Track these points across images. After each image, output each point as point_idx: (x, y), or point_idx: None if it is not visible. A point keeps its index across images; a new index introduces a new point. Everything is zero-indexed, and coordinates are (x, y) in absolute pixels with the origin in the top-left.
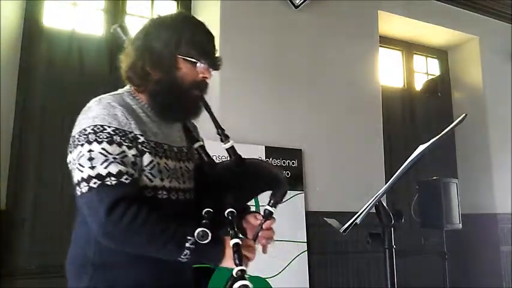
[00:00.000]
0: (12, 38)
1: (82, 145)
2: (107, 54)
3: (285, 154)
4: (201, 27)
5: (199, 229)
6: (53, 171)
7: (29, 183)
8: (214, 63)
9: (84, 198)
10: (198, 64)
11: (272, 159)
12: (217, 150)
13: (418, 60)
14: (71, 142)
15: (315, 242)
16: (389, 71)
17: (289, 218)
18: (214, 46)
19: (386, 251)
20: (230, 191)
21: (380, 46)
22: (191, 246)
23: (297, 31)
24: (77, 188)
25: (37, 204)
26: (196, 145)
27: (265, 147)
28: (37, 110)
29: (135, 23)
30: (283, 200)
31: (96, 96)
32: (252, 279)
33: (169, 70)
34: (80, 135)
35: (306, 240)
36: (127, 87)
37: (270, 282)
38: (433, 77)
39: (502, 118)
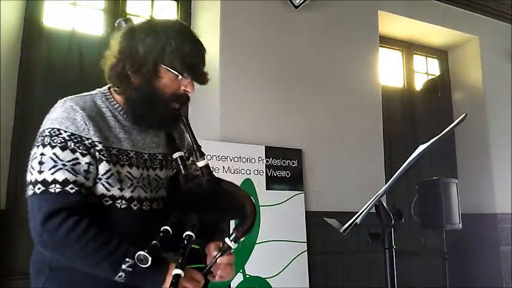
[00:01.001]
0: (12, 38)
1: (37, 147)
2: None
3: (285, 154)
4: (192, 39)
5: (140, 252)
6: None
7: None
8: (199, 78)
9: (28, 201)
10: (180, 77)
11: (272, 159)
12: (217, 151)
13: (418, 60)
14: (35, 140)
15: (315, 242)
16: (389, 71)
17: (289, 218)
18: (203, 60)
19: (387, 251)
20: (197, 210)
21: (380, 46)
22: (128, 268)
23: (297, 31)
24: (26, 189)
25: None
26: (176, 155)
27: (265, 147)
28: (37, 110)
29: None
30: (285, 200)
31: None
32: (252, 279)
33: (150, 78)
34: (38, 136)
35: (306, 240)
36: (105, 87)
37: (270, 282)
38: (433, 77)
39: (502, 118)
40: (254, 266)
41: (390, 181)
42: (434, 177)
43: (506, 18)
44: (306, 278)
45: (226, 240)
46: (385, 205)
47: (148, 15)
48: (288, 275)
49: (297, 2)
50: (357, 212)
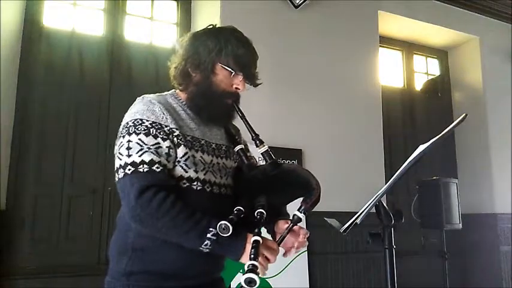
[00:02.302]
0: (12, 38)
1: (123, 136)
2: (106, 54)
3: (285, 154)
4: (246, 43)
5: (222, 222)
6: (53, 171)
7: (29, 183)
8: (250, 78)
9: (119, 183)
10: (233, 74)
11: None
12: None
13: (418, 60)
14: (117, 135)
15: (315, 242)
16: (390, 71)
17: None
18: (254, 63)
19: (387, 251)
20: (264, 193)
21: (380, 46)
22: (212, 237)
23: (297, 31)
24: (116, 174)
25: (37, 204)
26: (238, 147)
27: None
28: (37, 110)
29: (135, 23)
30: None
31: (95, 96)
32: None
33: (207, 74)
34: (122, 128)
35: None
36: (172, 90)
37: (270, 282)
38: (433, 77)
39: (502, 118)
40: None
41: (390, 181)
42: (434, 177)
43: (506, 18)
44: (306, 278)
45: (296, 212)
46: (385, 205)
47: (148, 15)
48: (288, 275)
49: (297, 2)
50: (357, 212)
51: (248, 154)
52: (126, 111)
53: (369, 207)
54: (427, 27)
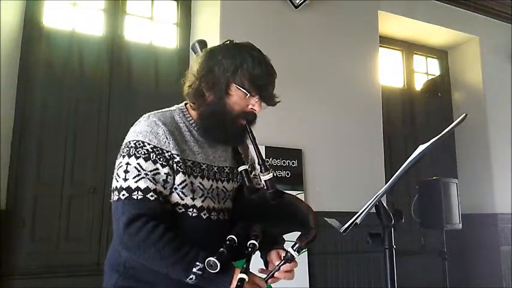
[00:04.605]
0: (12, 38)
1: (123, 156)
2: (106, 54)
3: (285, 154)
4: (263, 62)
5: (210, 258)
6: (53, 171)
7: (29, 183)
8: (267, 99)
9: (113, 205)
10: (248, 96)
11: (272, 159)
12: None
13: (418, 60)
14: (119, 152)
15: (315, 242)
16: (390, 71)
17: None
18: (272, 83)
19: (386, 251)
20: (260, 221)
21: (380, 46)
22: (198, 271)
23: (297, 31)
24: (111, 194)
25: (37, 204)
26: (241, 168)
27: (265, 147)
28: (37, 110)
29: (135, 23)
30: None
31: (95, 96)
32: None
33: (221, 95)
34: (124, 147)
35: None
36: (183, 103)
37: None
38: (433, 77)
39: (502, 118)
40: (254, 266)
41: (390, 181)
42: (434, 177)
43: (506, 18)
44: (306, 278)
45: (289, 249)
46: (385, 205)
47: (149, 15)
48: None
49: (297, 2)
50: (357, 212)
51: (253, 173)
52: (126, 112)
53: (368, 207)
54: (427, 27)
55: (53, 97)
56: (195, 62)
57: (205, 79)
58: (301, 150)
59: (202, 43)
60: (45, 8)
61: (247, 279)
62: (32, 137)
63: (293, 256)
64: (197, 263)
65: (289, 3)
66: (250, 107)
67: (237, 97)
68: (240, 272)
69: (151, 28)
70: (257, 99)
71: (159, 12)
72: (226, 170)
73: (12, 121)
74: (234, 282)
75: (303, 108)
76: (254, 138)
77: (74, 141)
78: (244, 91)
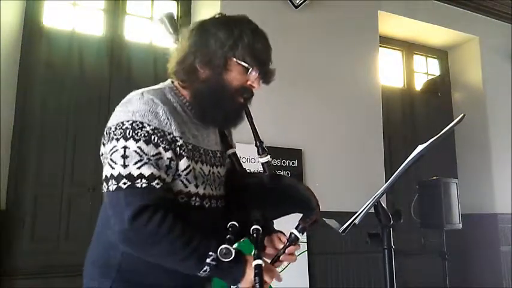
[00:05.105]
0: (12, 38)
1: (117, 140)
2: (106, 54)
3: (285, 154)
4: (262, 36)
5: (223, 246)
6: (53, 171)
7: (29, 183)
8: (267, 75)
9: (110, 196)
10: (249, 71)
11: (272, 159)
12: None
13: (418, 60)
14: (105, 133)
15: (315, 242)
16: (390, 71)
17: (288, 217)
18: (270, 59)
19: (385, 251)
20: (259, 206)
21: (380, 46)
22: (212, 262)
23: (297, 31)
24: (105, 183)
25: (37, 204)
26: (230, 151)
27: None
28: (37, 110)
29: (135, 23)
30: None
31: (95, 96)
32: None
33: (219, 70)
34: (116, 129)
35: (306, 240)
36: (168, 81)
37: None
38: (433, 77)
39: (502, 118)
40: None
41: (389, 181)
42: (434, 177)
43: (506, 18)
44: (306, 278)
45: (294, 230)
46: (383, 205)
47: (148, 15)
48: (288, 275)
49: (297, 2)
50: (357, 212)
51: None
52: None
53: (367, 207)
54: (427, 27)
55: (53, 97)
56: (182, 38)
57: (200, 53)
58: (301, 150)
59: (170, 17)
60: (45, 8)
61: (263, 265)
62: (32, 137)
63: (297, 237)
64: (210, 253)
65: (289, 3)
66: (249, 83)
67: (236, 72)
68: (254, 259)
69: (151, 28)
70: (257, 75)
71: (159, 12)
72: (218, 154)
73: (12, 121)
74: (249, 270)
75: (303, 108)
76: (251, 117)
77: (74, 141)
78: (247, 65)
